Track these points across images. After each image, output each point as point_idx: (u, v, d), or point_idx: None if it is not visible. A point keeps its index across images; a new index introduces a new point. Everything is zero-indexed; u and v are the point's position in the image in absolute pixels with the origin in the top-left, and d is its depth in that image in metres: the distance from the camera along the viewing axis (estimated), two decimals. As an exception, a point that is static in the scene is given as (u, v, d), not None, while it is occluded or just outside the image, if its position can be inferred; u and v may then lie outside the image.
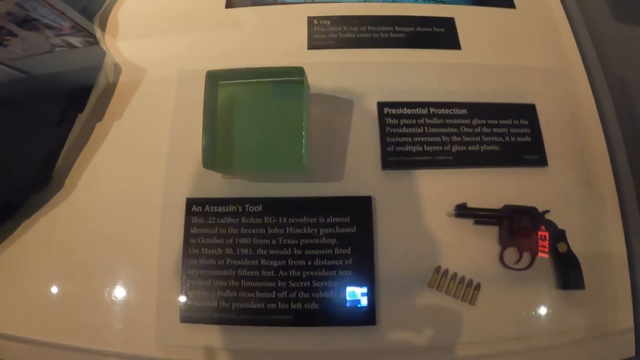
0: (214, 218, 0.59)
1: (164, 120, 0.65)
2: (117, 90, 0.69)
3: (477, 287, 0.59)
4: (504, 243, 0.60)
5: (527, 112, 0.65)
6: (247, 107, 0.59)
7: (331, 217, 0.58)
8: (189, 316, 0.56)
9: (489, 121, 0.64)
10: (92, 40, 0.69)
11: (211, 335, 0.57)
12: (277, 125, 0.58)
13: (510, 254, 0.60)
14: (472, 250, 0.60)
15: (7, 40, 0.58)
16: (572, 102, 0.69)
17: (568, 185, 0.64)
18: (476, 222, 0.60)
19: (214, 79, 0.58)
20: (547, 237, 0.60)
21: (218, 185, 0.60)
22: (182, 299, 0.57)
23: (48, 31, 0.62)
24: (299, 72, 0.56)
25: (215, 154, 0.58)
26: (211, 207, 0.59)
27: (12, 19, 0.58)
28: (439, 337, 0.57)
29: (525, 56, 0.70)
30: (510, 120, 0.64)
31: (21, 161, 0.60)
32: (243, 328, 0.56)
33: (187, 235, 0.58)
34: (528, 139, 0.64)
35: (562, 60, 0.71)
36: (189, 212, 0.59)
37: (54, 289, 0.60)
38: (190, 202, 0.60)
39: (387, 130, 0.61)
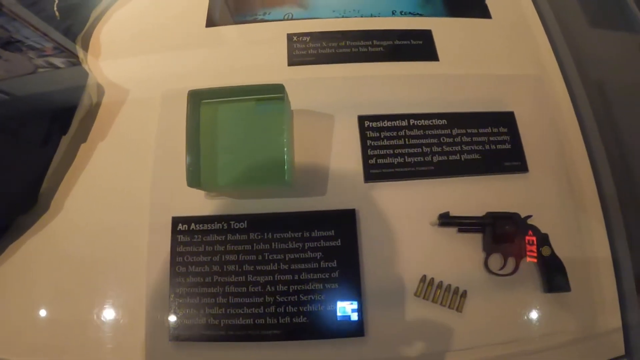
0: (199, 236, 0.59)
1: (148, 140, 0.66)
2: (100, 110, 0.69)
3: (464, 294, 0.60)
4: (488, 249, 0.61)
5: (506, 120, 0.66)
6: (229, 125, 0.60)
7: (316, 231, 0.58)
8: (178, 334, 0.57)
9: (469, 130, 0.65)
10: (75, 61, 0.69)
11: (201, 352, 0.57)
12: (260, 142, 0.58)
13: (495, 260, 0.61)
14: (457, 258, 0.61)
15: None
16: (551, 107, 0.70)
17: (549, 190, 0.65)
18: (460, 230, 0.61)
19: (196, 98, 0.59)
20: (535, 242, 0.61)
21: (203, 204, 0.61)
22: (171, 317, 0.57)
23: (31, 52, 0.63)
24: (279, 89, 0.57)
25: (199, 173, 0.58)
26: (197, 225, 0.59)
27: (-5, 41, 0.59)
28: (428, 346, 0.58)
29: (503, 65, 0.72)
30: (489, 128, 0.66)
31: (7, 182, 0.60)
32: (232, 344, 0.56)
33: (174, 253, 0.59)
34: (508, 146, 0.65)
35: (539, 67, 0.73)
36: (175, 231, 0.60)
37: (41, 312, 0.60)
38: (176, 221, 0.60)
39: (368, 144, 0.62)
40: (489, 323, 0.59)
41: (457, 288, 0.60)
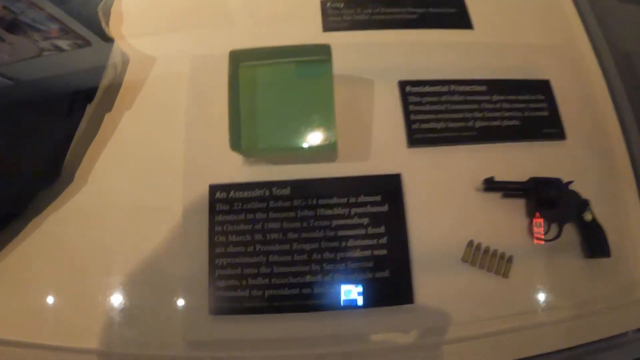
0: (240, 203, 0.56)
1: (178, 107, 0.63)
2: (126, 79, 0.66)
3: (510, 259, 0.59)
4: (531, 215, 0.60)
5: (542, 88, 0.66)
6: (269, 88, 0.57)
7: (362, 196, 0.56)
8: (219, 307, 0.54)
9: (508, 97, 0.64)
10: (81, 43, 0.65)
11: (244, 326, 0.54)
12: (303, 104, 0.56)
13: (538, 225, 0.61)
14: (501, 224, 0.60)
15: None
16: (583, 77, 0.71)
17: (585, 157, 0.65)
18: (504, 196, 0.61)
19: (237, 58, 0.56)
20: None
21: (242, 171, 0.58)
22: (211, 290, 0.54)
23: (36, 34, 0.59)
24: (324, 50, 0.55)
25: (240, 136, 0.56)
26: (236, 192, 0.57)
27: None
28: (476, 313, 0.56)
29: (535, 35, 0.72)
30: (527, 95, 0.65)
31: (30, 154, 0.56)
32: (277, 316, 0.54)
33: (212, 223, 0.56)
34: (545, 113, 0.65)
35: (570, 38, 0.73)
36: (213, 199, 0.57)
37: (67, 291, 0.56)
38: (213, 189, 0.57)
39: (410, 109, 0.61)
40: (534, 289, 0.58)
41: (503, 253, 0.59)
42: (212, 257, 0.55)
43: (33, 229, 0.58)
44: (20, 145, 0.56)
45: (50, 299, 0.56)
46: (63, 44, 0.63)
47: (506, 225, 0.60)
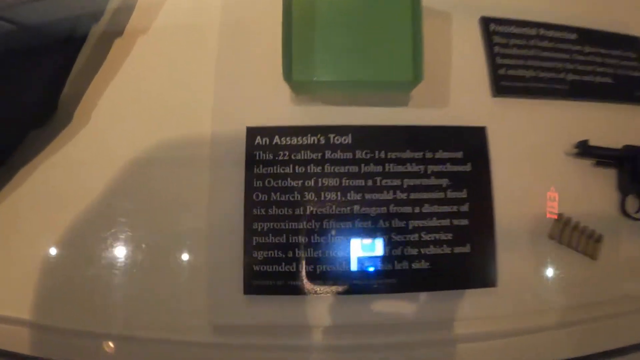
0: (286, 153, 0.43)
1: (208, 31, 0.48)
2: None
3: (599, 238, 0.50)
4: (625, 189, 0.51)
5: (636, 46, 0.57)
6: (328, 11, 0.44)
7: (441, 151, 0.45)
8: (258, 285, 0.41)
9: (600, 50, 0.55)
10: None
11: (287, 309, 0.42)
12: (375, 31, 0.44)
13: (632, 202, 0.52)
14: (591, 196, 0.50)
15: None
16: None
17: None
18: (597, 164, 0.52)
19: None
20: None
21: (290, 112, 0.45)
22: (247, 263, 0.42)
23: None
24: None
25: (291, 65, 0.43)
26: (282, 139, 0.44)
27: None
28: (562, 298, 0.47)
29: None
30: (620, 51, 0.56)
31: (18, 85, 0.42)
32: (330, 298, 0.42)
33: (250, 177, 0.43)
34: (638, 73, 0.56)
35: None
36: (251, 146, 0.44)
37: (64, 259, 0.43)
38: (252, 133, 0.44)
39: (495, 51, 0.50)
40: (625, 273, 0.50)
41: (593, 231, 0.50)
42: (249, 221, 0.42)
43: (21, 181, 0.45)
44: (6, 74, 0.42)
45: (42, 270, 0.43)
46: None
47: (596, 198, 0.51)
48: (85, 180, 0.46)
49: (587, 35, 0.55)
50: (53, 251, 0.44)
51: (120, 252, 0.44)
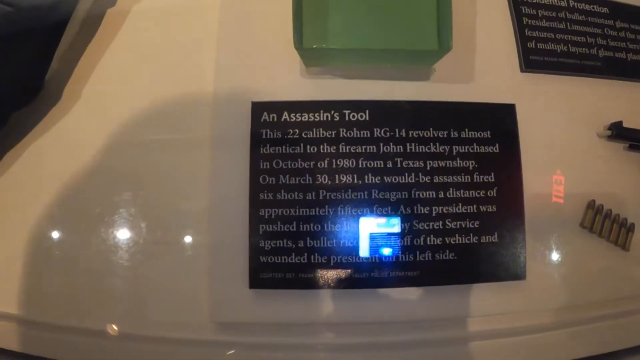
0: (297, 131, 0.39)
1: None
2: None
3: (631, 228, 0.46)
4: (658, 173, 0.48)
5: (666, 19, 0.54)
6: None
7: (467, 130, 0.41)
8: (264, 279, 0.37)
9: (632, 26, 0.51)
10: None
11: (297, 304, 0.38)
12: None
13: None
14: (624, 182, 0.47)
15: None
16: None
17: None
18: (630, 147, 0.48)
19: None
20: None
21: (301, 85, 0.40)
22: (253, 254, 0.37)
23: None
24: None
25: (302, 32, 0.38)
26: (292, 115, 0.39)
27: None
28: (594, 292, 0.43)
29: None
30: (653, 27, 0.52)
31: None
32: (348, 292, 0.38)
33: (256, 157, 0.38)
34: (671, 51, 0.53)
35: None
36: (257, 123, 0.39)
37: (53, 248, 0.39)
38: (258, 108, 0.39)
39: (524, 21, 0.45)
40: (658, 265, 0.47)
41: (625, 220, 0.47)
42: (255, 206, 0.37)
43: (7, 165, 0.40)
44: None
45: (29, 261, 0.38)
46: None
47: (629, 184, 0.47)
48: (76, 162, 0.41)
49: (619, 9, 0.51)
50: (46, 241, 0.39)
51: (116, 242, 0.39)
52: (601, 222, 0.45)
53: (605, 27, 0.49)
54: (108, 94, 0.43)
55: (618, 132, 0.46)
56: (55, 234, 0.39)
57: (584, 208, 0.44)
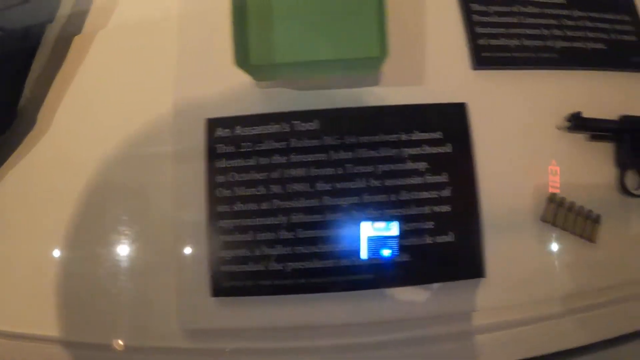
0: (250, 144, 0.40)
1: (166, 24, 0.46)
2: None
3: (597, 219, 0.46)
4: (624, 164, 0.47)
5: (629, 7, 0.52)
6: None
7: (417, 132, 0.41)
8: (224, 287, 0.39)
9: (590, 14, 0.50)
10: None
11: (258, 310, 0.39)
12: (337, 6, 0.40)
13: (632, 178, 0.48)
14: (587, 174, 0.46)
15: None
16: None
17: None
18: (592, 137, 0.47)
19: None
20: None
21: (251, 99, 0.42)
22: (213, 263, 0.39)
23: None
24: None
25: (248, 49, 0.40)
26: (245, 129, 0.41)
27: None
28: (559, 287, 0.44)
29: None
30: (611, 14, 0.51)
31: None
32: (304, 297, 0.39)
33: (212, 171, 0.40)
34: (634, 37, 0.51)
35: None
36: (212, 139, 0.40)
37: (29, 267, 0.42)
38: (212, 124, 0.41)
39: (474, 19, 0.46)
40: (626, 256, 0.46)
41: (590, 211, 0.46)
42: (213, 218, 0.39)
43: None
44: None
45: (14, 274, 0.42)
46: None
47: (592, 175, 0.47)
48: (52, 182, 0.44)
49: (575, -2, 0.51)
50: (20, 260, 0.42)
51: (84, 257, 0.42)
52: (564, 215, 0.45)
53: (562, 17, 0.49)
54: (77, 119, 0.46)
55: (577, 123, 0.46)
56: (30, 255, 0.42)
57: (546, 202, 0.45)
